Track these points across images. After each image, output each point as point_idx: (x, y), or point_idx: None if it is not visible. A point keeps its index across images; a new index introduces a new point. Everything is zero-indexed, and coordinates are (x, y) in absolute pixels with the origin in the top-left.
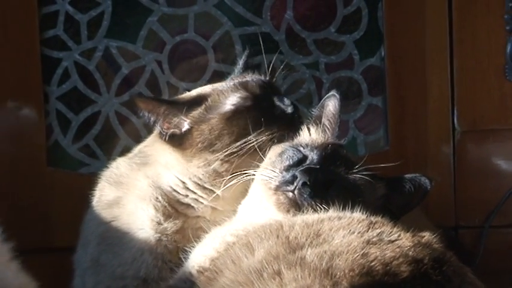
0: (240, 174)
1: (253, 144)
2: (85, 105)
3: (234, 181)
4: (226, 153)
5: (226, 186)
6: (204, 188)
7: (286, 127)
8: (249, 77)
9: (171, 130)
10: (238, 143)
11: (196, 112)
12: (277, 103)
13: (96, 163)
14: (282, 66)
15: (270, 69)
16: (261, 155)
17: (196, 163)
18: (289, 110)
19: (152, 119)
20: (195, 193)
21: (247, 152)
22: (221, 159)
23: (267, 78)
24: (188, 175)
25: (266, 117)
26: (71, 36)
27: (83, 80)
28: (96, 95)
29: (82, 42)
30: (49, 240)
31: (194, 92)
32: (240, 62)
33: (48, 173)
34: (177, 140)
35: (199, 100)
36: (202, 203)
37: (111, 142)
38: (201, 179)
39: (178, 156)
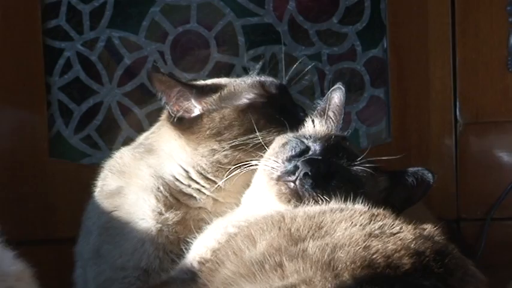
0: (243, 165)
1: (259, 140)
2: (87, 96)
3: (236, 172)
4: (232, 144)
5: (228, 177)
6: (207, 178)
7: (295, 130)
8: (267, 78)
9: (181, 113)
10: (246, 137)
11: (210, 99)
12: (290, 107)
13: (98, 154)
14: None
15: (288, 75)
16: (264, 152)
17: (201, 151)
18: (301, 114)
19: (164, 98)
20: (197, 183)
21: (252, 147)
22: (226, 150)
23: (284, 82)
24: (192, 164)
25: (277, 117)
26: (73, 27)
27: (85, 70)
28: (98, 85)
29: (84, 33)
30: (51, 231)
31: (209, 81)
32: (257, 66)
33: (50, 164)
34: (185, 124)
35: (215, 88)
36: (204, 193)
37: (113, 133)
38: (204, 169)
39: (183, 144)
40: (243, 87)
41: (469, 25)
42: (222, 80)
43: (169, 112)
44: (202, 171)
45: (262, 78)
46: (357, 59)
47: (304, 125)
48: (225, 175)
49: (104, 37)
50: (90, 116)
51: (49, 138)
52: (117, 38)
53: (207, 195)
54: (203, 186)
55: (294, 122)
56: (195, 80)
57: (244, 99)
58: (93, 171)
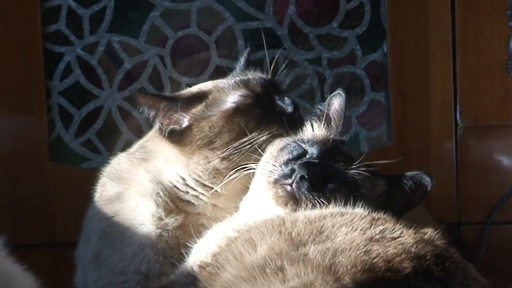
0: (240, 168)
1: (252, 143)
2: (87, 100)
3: (233, 176)
4: (226, 153)
5: (226, 181)
6: (204, 185)
7: (286, 126)
8: (251, 75)
9: (171, 126)
10: (238, 143)
11: (197, 109)
12: (278, 102)
13: (98, 158)
14: (290, 62)
15: (272, 65)
16: (260, 153)
17: (195, 160)
18: (290, 109)
19: (152, 114)
20: (195, 190)
21: (246, 151)
22: (221, 157)
23: (269, 76)
24: (187, 172)
25: (266, 116)
26: (73, 31)
27: (85, 74)
28: (99, 89)
29: (84, 37)
30: (51, 235)
31: (195, 88)
32: (242, 59)
33: (51, 168)
34: (177, 136)
35: (200, 97)
36: (202, 199)
37: (113, 137)
38: (200, 176)
39: (177, 153)
40: (227, 91)
41: (469, 29)
42: (208, 85)
43: (160, 127)
44: (199, 179)
45: (246, 76)
46: (357, 63)
47: (296, 118)
48: (223, 180)
49: (104, 41)
50: (90, 120)
51: (49, 143)
52: (117, 43)
53: (206, 202)
54: (201, 193)
55: (284, 116)
56: (196, 84)
57: (230, 104)
58: (93, 176)
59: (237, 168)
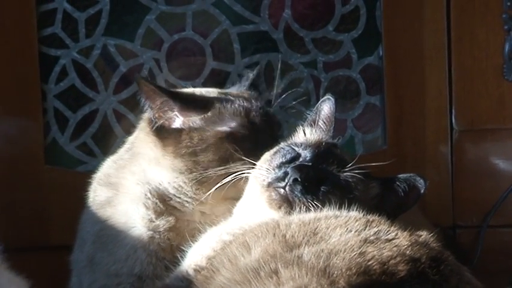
0: (228, 175)
1: (232, 172)
2: (83, 103)
3: (223, 182)
4: (205, 172)
5: (210, 192)
6: (186, 194)
7: None
8: (254, 103)
9: (162, 121)
10: (219, 168)
11: (193, 118)
12: (271, 140)
13: (93, 161)
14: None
15: (275, 93)
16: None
17: (177, 166)
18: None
19: (147, 104)
20: (178, 197)
21: (222, 176)
22: (200, 172)
23: (271, 108)
24: (168, 179)
25: (255, 151)
26: (68, 34)
27: (80, 78)
28: (94, 93)
29: (80, 40)
30: (46, 239)
31: (199, 93)
32: (250, 75)
33: (46, 171)
34: (164, 134)
35: (201, 107)
36: (187, 207)
37: (109, 140)
38: (181, 187)
39: (158, 155)
40: (228, 113)
41: (465, 32)
42: (212, 96)
43: (151, 118)
44: (180, 188)
45: (250, 103)
46: (352, 66)
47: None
48: (205, 191)
49: (100, 45)
50: (85, 123)
51: (45, 146)
52: (113, 46)
53: (192, 209)
54: (185, 201)
55: None
56: (191, 87)
57: (226, 127)
58: (88, 179)
59: (220, 180)
